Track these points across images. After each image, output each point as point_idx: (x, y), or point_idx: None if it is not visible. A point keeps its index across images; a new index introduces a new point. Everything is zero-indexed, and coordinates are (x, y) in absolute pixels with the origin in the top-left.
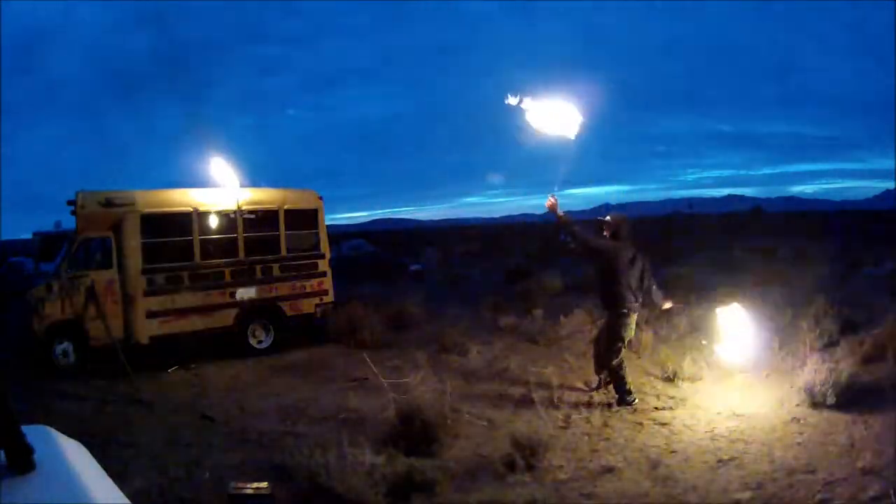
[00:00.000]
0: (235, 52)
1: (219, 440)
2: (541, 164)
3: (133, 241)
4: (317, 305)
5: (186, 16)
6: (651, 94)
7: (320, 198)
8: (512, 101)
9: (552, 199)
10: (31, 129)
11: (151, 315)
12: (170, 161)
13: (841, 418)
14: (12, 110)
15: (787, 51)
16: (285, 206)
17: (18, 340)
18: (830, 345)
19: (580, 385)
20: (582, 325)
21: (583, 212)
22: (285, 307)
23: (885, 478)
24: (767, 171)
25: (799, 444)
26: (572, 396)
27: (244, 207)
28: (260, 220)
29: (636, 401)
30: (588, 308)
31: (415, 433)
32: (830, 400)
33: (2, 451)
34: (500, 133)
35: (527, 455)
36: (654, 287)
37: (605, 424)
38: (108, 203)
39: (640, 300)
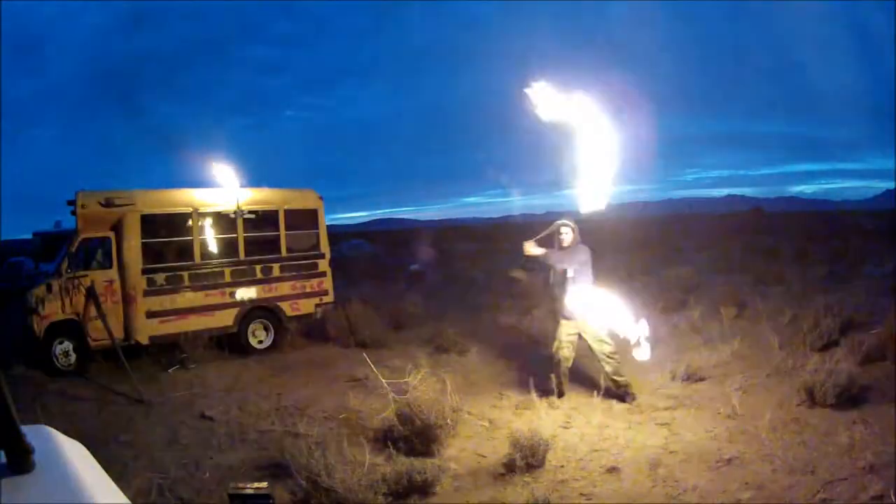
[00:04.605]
0: (234, 52)
1: (219, 440)
2: (539, 164)
3: (133, 241)
4: (317, 305)
5: (186, 16)
6: (651, 94)
7: (320, 198)
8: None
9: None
10: (31, 129)
11: (151, 315)
12: (169, 161)
13: (841, 418)
14: (12, 110)
15: (786, 50)
16: (285, 207)
17: (18, 340)
18: (830, 345)
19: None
20: None
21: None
22: (285, 307)
23: (885, 478)
24: (767, 171)
25: (799, 444)
26: (572, 396)
27: (244, 207)
28: (260, 220)
29: None
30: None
31: (415, 433)
32: (830, 400)
33: (2, 452)
34: (500, 133)
35: (527, 455)
36: None
37: (605, 424)
38: (108, 203)
39: None
